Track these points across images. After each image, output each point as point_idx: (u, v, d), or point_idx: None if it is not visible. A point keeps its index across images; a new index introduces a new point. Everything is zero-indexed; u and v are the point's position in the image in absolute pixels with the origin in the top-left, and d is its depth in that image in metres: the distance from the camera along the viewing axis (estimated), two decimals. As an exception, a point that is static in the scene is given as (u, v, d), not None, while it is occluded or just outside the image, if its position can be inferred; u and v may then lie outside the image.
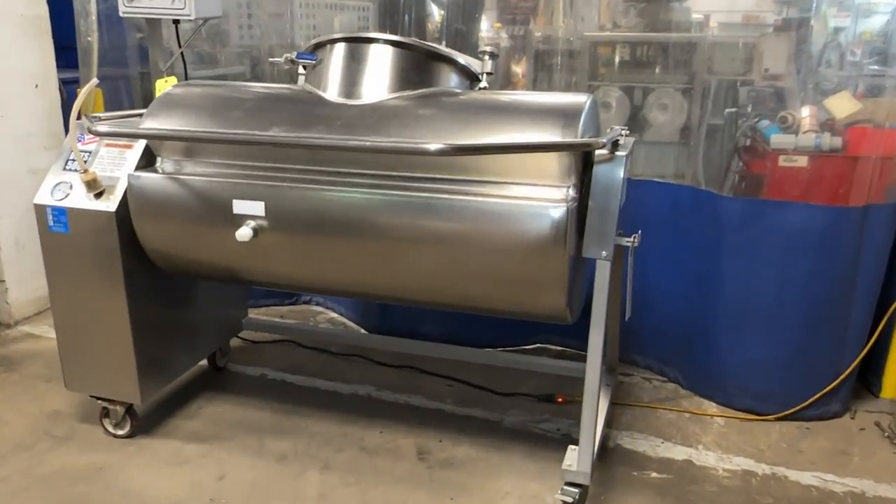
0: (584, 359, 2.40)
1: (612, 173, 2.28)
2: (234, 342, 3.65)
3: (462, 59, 2.53)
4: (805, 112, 3.39)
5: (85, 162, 2.69)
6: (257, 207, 2.45)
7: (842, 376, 3.04)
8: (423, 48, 2.48)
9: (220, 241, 2.57)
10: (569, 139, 2.18)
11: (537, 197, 2.25)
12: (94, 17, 3.95)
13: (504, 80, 6.53)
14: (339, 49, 2.53)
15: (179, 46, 3.20)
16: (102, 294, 2.76)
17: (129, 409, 2.95)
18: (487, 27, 6.00)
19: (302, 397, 3.31)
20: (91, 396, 2.97)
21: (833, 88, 3.89)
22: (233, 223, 2.49)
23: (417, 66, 2.49)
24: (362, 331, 3.97)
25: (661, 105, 5.80)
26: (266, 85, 2.90)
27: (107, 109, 4.22)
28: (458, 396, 3.31)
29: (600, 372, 2.40)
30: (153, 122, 2.59)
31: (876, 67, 3.35)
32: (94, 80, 2.59)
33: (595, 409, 2.39)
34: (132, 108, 4.41)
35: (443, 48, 2.51)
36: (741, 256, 3.02)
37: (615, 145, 2.32)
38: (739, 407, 3.15)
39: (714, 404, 3.22)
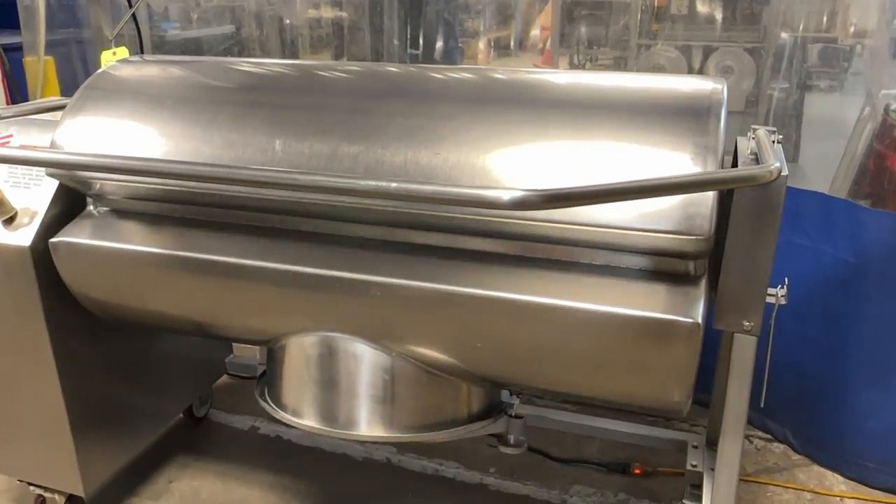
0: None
1: (764, 206, 1.46)
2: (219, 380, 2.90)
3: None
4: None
5: (-12, 174, 1.91)
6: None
7: None
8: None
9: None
10: (715, 173, 1.37)
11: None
12: (35, -33, 3.11)
13: (523, 34, 5.69)
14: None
15: (130, 6, 2.37)
16: (21, 352, 2.02)
17: (73, 496, 2.22)
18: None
19: (303, 462, 2.56)
20: (21, 481, 2.24)
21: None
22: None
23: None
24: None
25: (724, 67, 4.96)
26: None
27: (60, 82, 3.43)
28: (504, 463, 2.55)
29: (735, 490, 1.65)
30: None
31: None
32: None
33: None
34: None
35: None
36: (892, 291, 2.23)
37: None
38: (878, 485, 2.39)
39: (841, 478, 2.46)
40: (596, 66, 5.52)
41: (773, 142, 1.57)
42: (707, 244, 1.39)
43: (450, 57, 3.38)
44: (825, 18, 4.40)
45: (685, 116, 1.46)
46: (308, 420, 1.80)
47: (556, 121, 1.49)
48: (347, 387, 1.75)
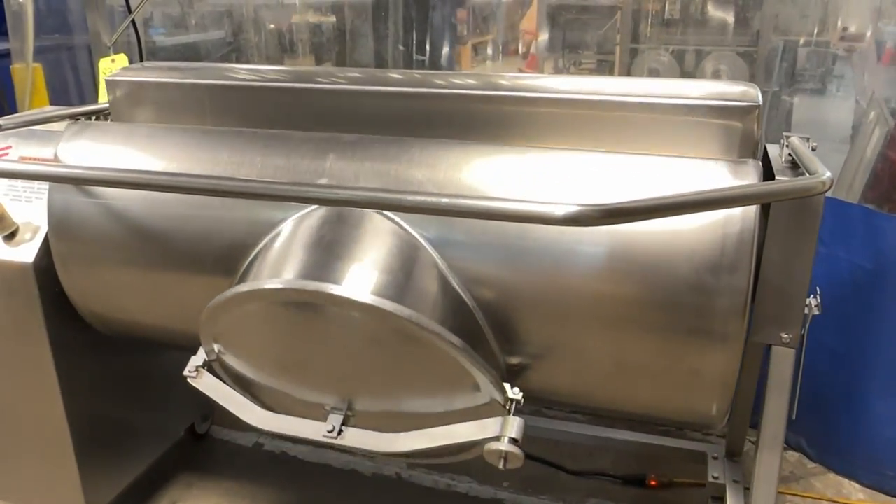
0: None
1: (804, 216, 1.43)
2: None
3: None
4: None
5: (-13, 187, 1.84)
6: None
7: None
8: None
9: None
10: (770, 184, 1.34)
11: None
12: (24, -27, 3.02)
13: (508, 37, 5.65)
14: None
15: (129, 11, 2.30)
16: (23, 371, 1.95)
17: (75, 519, 2.14)
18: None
19: (310, 479, 2.49)
20: (21, 506, 2.15)
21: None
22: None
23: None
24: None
25: (717, 71, 4.95)
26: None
27: (49, 90, 3.33)
28: (517, 475, 2.50)
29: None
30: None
31: None
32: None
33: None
34: (79, 88, 3.54)
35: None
36: (912, 298, 2.21)
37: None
38: (897, 493, 2.37)
39: (858, 486, 2.43)
40: (580, 70, 5.49)
41: (813, 147, 1.54)
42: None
43: (452, 63, 3.33)
44: (817, 23, 4.41)
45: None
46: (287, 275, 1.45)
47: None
48: (339, 248, 1.47)
